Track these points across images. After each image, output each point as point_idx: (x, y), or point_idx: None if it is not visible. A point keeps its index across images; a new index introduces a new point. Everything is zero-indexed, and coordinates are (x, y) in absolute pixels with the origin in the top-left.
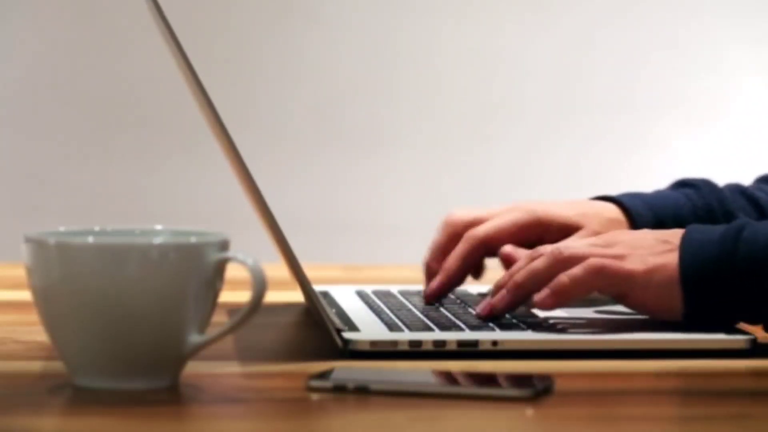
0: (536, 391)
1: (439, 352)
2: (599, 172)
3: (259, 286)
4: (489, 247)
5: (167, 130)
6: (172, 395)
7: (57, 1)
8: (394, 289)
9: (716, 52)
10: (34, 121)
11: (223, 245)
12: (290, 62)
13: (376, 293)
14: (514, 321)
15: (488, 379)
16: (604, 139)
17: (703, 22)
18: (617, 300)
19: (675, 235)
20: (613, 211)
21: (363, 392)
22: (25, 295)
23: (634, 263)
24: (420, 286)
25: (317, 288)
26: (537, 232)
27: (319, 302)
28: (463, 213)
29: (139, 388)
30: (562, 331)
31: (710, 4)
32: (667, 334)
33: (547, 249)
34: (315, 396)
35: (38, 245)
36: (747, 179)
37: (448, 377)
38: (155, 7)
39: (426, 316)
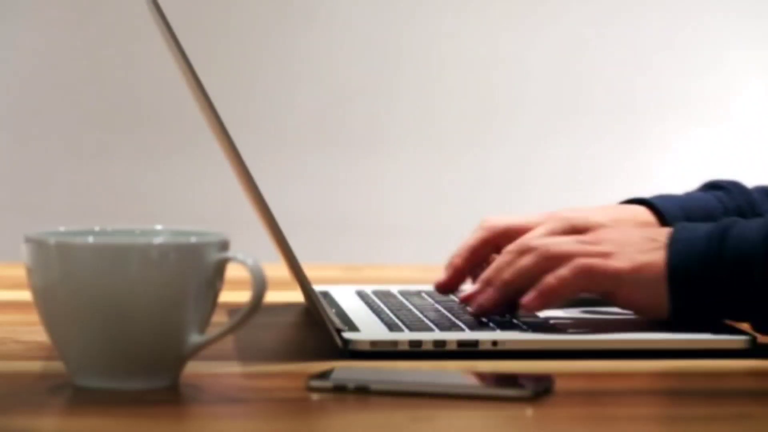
0: (536, 391)
1: (439, 352)
2: (599, 173)
3: (259, 286)
4: None
5: (167, 130)
6: (172, 395)
7: (57, 1)
8: (394, 289)
9: (716, 52)
10: (35, 121)
11: (223, 245)
12: (290, 62)
13: (376, 293)
14: (514, 321)
15: (488, 379)
16: (604, 139)
17: (703, 22)
18: (605, 298)
19: (662, 233)
20: (645, 214)
21: (363, 392)
22: (25, 295)
23: (622, 261)
24: (420, 286)
25: (317, 288)
26: None
27: (319, 302)
28: (498, 219)
29: (139, 388)
30: (562, 331)
31: (711, 4)
32: (667, 334)
33: (533, 243)
34: (315, 396)
35: (38, 245)
36: (747, 180)
37: (449, 377)
38: (155, 7)
39: (426, 316)
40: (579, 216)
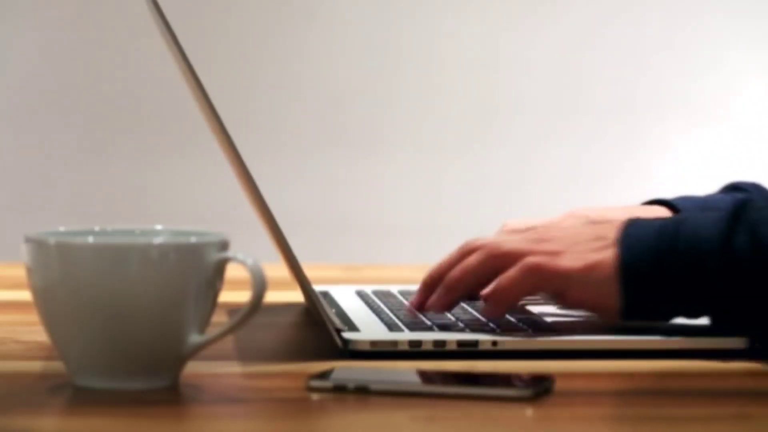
0: (536, 391)
1: (439, 352)
2: (599, 173)
3: (259, 286)
4: None
5: (167, 130)
6: (172, 395)
7: (57, 1)
8: (394, 289)
9: (717, 53)
10: (34, 121)
11: (223, 245)
12: (290, 62)
13: (376, 293)
14: (514, 321)
15: (488, 379)
16: (605, 139)
17: (703, 23)
18: (554, 299)
19: (611, 229)
20: (666, 215)
21: (363, 392)
22: (25, 295)
23: (571, 261)
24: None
25: (317, 288)
26: None
27: (319, 302)
28: (520, 221)
29: (139, 388)
30: (562, 331)
31: (711, 4)
32: (667, 335)
33: (478, 243)
34: (315, 396)
35: (38, 245)
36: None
37: (448, 377)
38: (155, 7)
39: (426, 316)
40: (598, 215)
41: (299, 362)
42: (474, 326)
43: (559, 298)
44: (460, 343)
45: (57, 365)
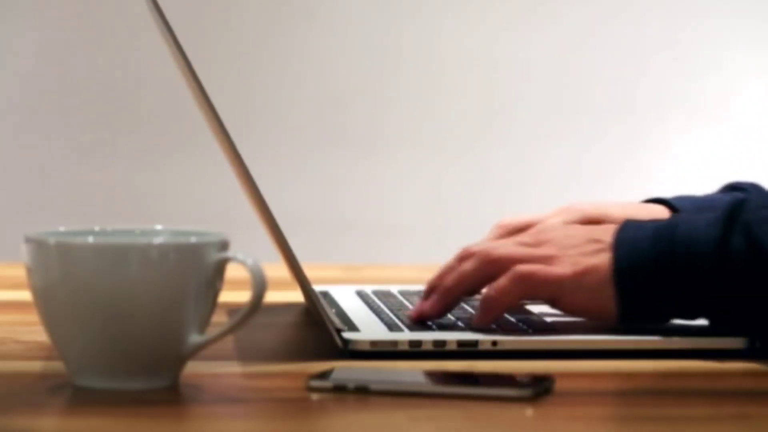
0: (536, 391)
1: (439, 352)
2: (599, 173)
3: (259, 286)
4: None
5: (167, 130)
6: (172, 395)
7: (57, 1)
8: (394, 289)
9: (717, 52)
10: (34, 121)
11: (223, 245)
12: (290, 62)
13: (376, 293)
14: (514, 321)
15: (488, 379)
16: (605, 139)
17: (703, 23)
18: (549, 305)
19: (606, 232)
20: (664, 214)
21: (363, 392)
22: (25, 295)
23: (563, 266)
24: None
25: (317, 288)
26: None
27: (319, 302)
28: (514, 218)
29: (139, 388)
30: (562, 331)
31: (711, 5)
32: (667, 335)
33: (474, 249)
34: (315, 396)
35: (38, 245)
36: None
37: (448, 377)
38: (155, 7)
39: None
40: (595, 210)
41: (299, 362)
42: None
43: (553, 303)
44: (460, 343)
45: (57, 365)
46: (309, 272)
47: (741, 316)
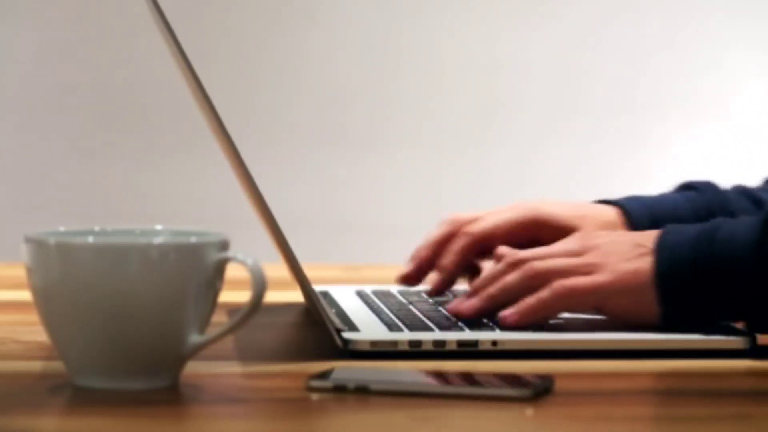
0: (536, 391)
1: (439, 352)
2: (599, 173)
3: (259, 286)
4: (485, 245)
5: (167, 130)
6: (172, 395)
7: (57, 1)
8: (394, 289)
9: (717, 52)
10: (34, 121)
11: (223, 245)
12: (290, 62)
13: (376, 293)
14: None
15: (488, 379)
16: (605, 139)
17: (703, 23)
18: (595, 312)
19: (650, 237)
20: (611, 214)
21: (363, 392)
22: (25, 295)
23: (604, 274)
24: (420, 286)
25: (317, 288)
26: (533, 231)
27: (319, 302)
28: (463, 213)
29: (139, 388)
30: (562, 331)
31: (711, 5)
32: (667, 334)
33: (521, 255)
34: (315, 396)
35: (38, 245)
36: (747, 180)
37: (448, 377)
38: (155, 7)
39: (426, 316)
40: (542, 208)
41: (299, 362)
42: (474, 326)
43: (598, 311)
44: (460, 343)
45: (57, 365)
46: (309, 272)
47: None
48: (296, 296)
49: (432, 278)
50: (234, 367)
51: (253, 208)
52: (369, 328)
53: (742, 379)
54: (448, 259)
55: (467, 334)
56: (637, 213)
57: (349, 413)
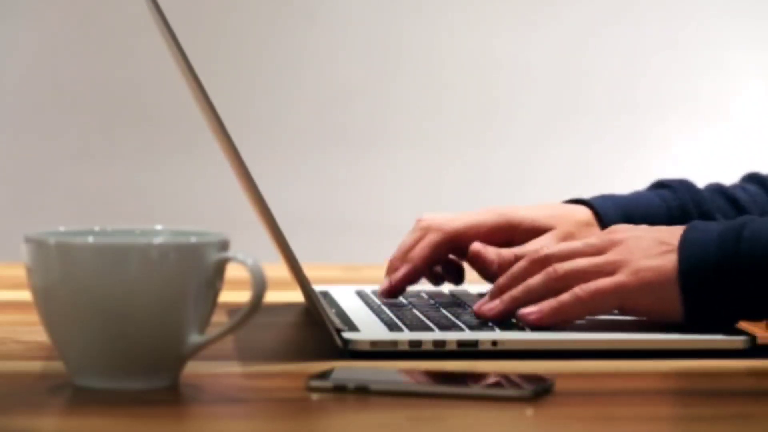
0: (536, 391)
1: (439, 352)
2: (599, 173)
3: (259, 286)
4: (456, 243)
5: (167, 130)
6: (172, 395)
7: (57, 1)
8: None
9: (717, 53)
10: (35, 121)
11: (223, 245)
12: (290, 62)
13: (376, 293)
14: (514, 321)
15: (488, 379)
16: (605, 139)
17: (704, 23)
18: (618, 312)
19: (674, 234)
20: (584, 213)
21: (363, 392)
22: (25, 295)
23: (626, 274)
24: (420, 286)
25: (317, 288)
26: (506, 233)
27: (319, 302)
28: (434, 215)
29: (139, 388)
30: (562, 331)
31: (711, 5)
32: (667, 334)
33: (544, 253)
34: (315, 396)
35: (38, 245)
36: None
37: (448, 377)
38: (155, 7)
39: (426, 316)
40: (512, 210)
41: (299, 362)
42: (474, 326)
43: (620, 310)
44: (460, 343)
45: (57, 365)
46: (309, 272)
47: None
48: (296, 296)
49: (396, 273)
50: (234, 367)
51: (253, 208)
52: (369, 328)
53: (742, 379)
54: (417, 252)
55: (467, 334)
56: (608, 212)
57: (349, 413)
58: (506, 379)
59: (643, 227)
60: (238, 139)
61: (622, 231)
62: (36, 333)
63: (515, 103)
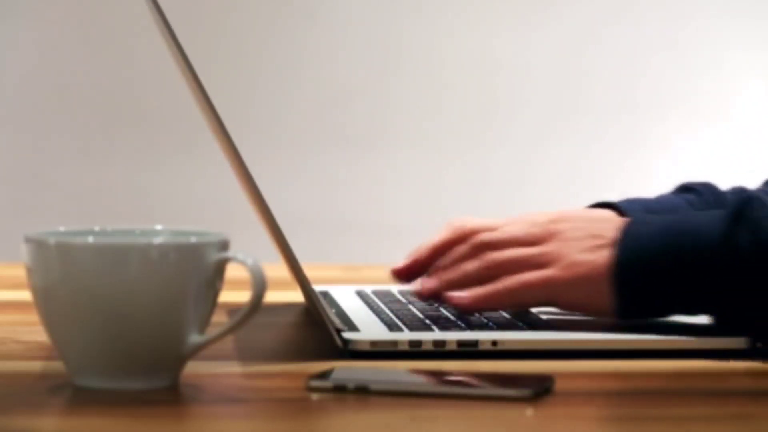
0: (536, 391)
1: (439, 352)
2: (599, 173)
3: (259, 286)
4: None
5: (167, 130)
6: (172, 395)
7: (57, 1)
8: (394, 289)
9: (717, 53)
10: (35, 121)
11: (223, 245)
12: (290, 62)
13: (376, 293)
14: (514, 321)
15: (488, 379)
16: (605, 139)
17: (704, 23)
18: (549, 305)
19: (612, 227)
20: (612, 217)
21: (363, 392)
22: (25, 295)
23: (557, 267)
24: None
25: (317, 288)
26: None
27: (319, 302)
28: (468, 218)
29: (139, 388)
30: (562, 331)
31: (711, 5)
32: (667, 335)
33: (479, 239)
34: (315, 396)
35: (38, 245)
36: (747, 180)
37: (448, 377)
38: (155, 7)
39: (426, 316)
40: (547, 219)
41: (299, 362)
42: (474, 325)
43: (551, 304)
44: (460, 343)
45: (57, 365)
46: (309, 272)
47: (744, 313)
48: (296, 296)
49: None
50: (234, 367)
51: (253, 208)
52: (369, 328)
53: (742, 379)
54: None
55: (467, 334)
56: (636, 216)
57: (349, 413)
58: (506, 379)
59: (586, 217)
60: (238, 139)
61: (563, 221)
62: (36, 333)
63: (515, 104)
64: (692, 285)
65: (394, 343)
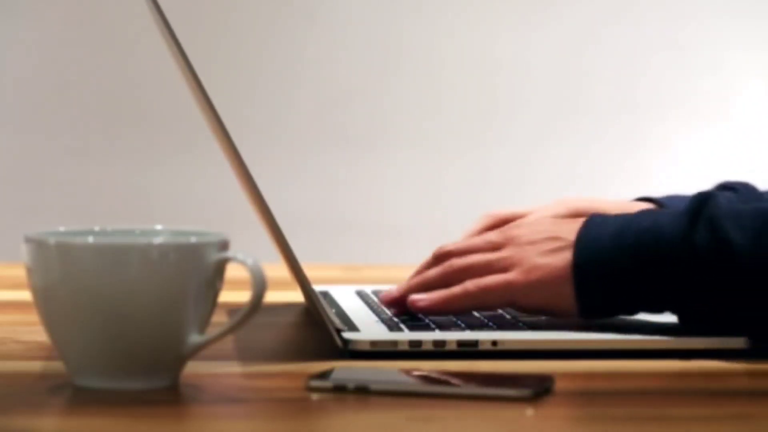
0: (536, 391)
1: (439, 352)
2: (599, 173)
3: (259, 286)
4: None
5: (167, 130)
6: (172, 395)
7: (57, 1)
8: (394, 289)
9: (717, 53)
10: (35, 121)
11: (223, 245)
12: (290, 62)
13: (376, 293)
14: (514, 321)
15: (488, 379)
16: (605, 139)
17: (704, 23)
18: (511, 308)
19: (571, 229)
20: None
21: (363, 392)
22: (25, 295)
23: (517, 272)
24: None
25: (317, 288)
26: None
27: (319, 302)
28: (503, 209)
29: (139, 388)
30: (562, 330)
31: (711, 5)
32: (667, 335)
33: (443, 250)
34: (315, 396)
35: (38, 245)
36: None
37: (448, 377)
38: (155, 7)
39: (426, 316)
40: (586, 206)
41: (299, 362)
42: (474, 325)
43: (512, 307)
44: (460, 343)
45: (57, 365)
46: (309, 272)
47: (705, 310)
48: (296, 296)
49: None
50: (234, 367)
51: (253, 208)
52: (369, 328)
53: (741, 379)
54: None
55: (467, 334)
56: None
57: (349, 413)
58: (506, 379)
59: (545, 219)
60: (238, 139)
61: (521, 226)
62: (36, 333)
63: (515, 104)
64: (652, 284)
65: (394, 343)
